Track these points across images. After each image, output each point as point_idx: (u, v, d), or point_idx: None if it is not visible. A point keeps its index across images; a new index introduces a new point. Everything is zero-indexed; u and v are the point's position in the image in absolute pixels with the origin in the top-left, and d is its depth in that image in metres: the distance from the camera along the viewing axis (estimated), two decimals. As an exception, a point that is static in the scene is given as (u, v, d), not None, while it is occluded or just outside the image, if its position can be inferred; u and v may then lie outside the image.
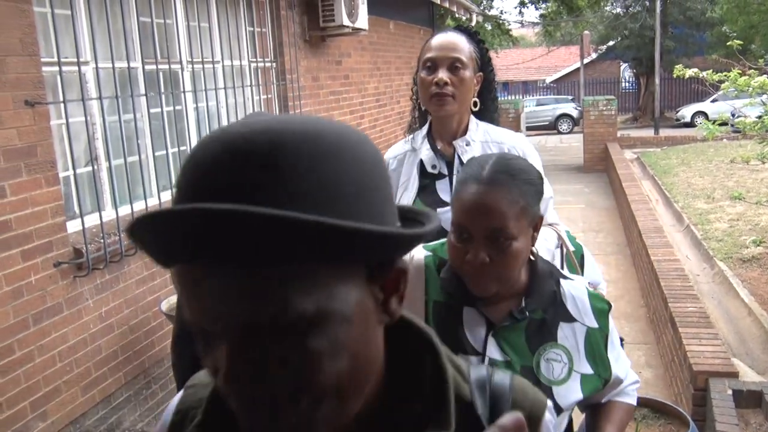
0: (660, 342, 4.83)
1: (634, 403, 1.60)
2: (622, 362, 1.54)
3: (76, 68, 3.68)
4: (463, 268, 1.37)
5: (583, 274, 1.86)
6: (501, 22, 20.57)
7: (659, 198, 10.23)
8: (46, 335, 3.36)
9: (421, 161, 2.14)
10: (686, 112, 25.70)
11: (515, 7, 21.15)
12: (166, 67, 4.59)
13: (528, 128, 18.19)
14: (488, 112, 2.20)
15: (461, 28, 2.19)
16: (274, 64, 6.04)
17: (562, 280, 1.49)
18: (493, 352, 1.41)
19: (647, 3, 26.29)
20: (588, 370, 1.44)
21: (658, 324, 4.94)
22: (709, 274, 6.41)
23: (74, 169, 3.62)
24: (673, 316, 4.18)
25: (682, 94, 29.91)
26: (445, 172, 2.12)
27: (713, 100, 22.98)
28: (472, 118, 2.16)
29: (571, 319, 1.45)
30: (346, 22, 6.27)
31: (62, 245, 3.46)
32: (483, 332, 1.42)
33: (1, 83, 3.12)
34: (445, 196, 2.07)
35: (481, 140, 2.11)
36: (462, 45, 2.09)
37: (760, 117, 5.98)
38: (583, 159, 14.73)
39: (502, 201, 1.31)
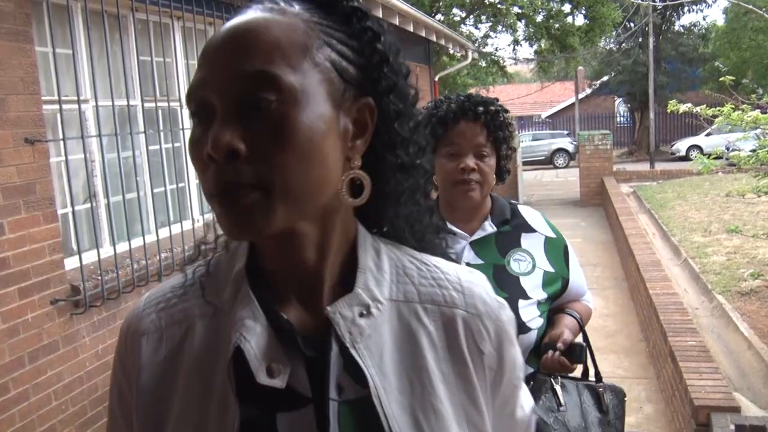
0: (660, 377, 4.80)
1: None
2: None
3: (76, 106, 3.71)
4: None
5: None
6: (496, 59, 20.85)
7: (656, 232, 10.25)
8: (42, 373, 3.33)
9: (239, 351, 0.73)
10: (681, 146, 25.89)
11: (509, 44, 21.47)
12: (165, 104, 4.64)
13: (524, 163, 18.31)
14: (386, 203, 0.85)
15: None
16: (272, 101, 6.09)
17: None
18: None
19: (640, 39, 26.68)
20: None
21: (658, 358, 4.91)
22: (708, 308, 6.40)
23: (73, 206, 3.63)
24: (672, 350, 4.16)
25: (676, 128, 30.15)
26: (308, 391, 0.74)
27: (708, 134, 23.17)
28: (360, 229, 0.82)
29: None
30: (343, 59, 6.34)
31: (59, 282, 3.45)
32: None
33: (2, 121, 3.15)
34: None
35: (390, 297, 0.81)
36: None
37: (754, 151, 6.03)
38: (579, 193, 14.79)
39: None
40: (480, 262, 1.73)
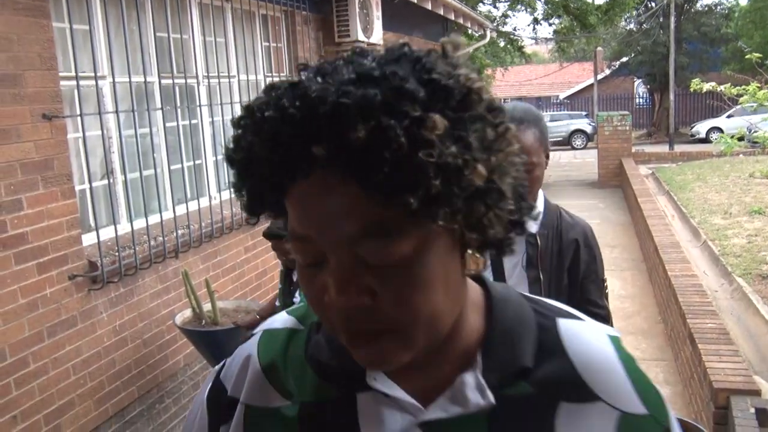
0: (678, 358, 4.76)
1: None
2: None
3: (93, 82, 3.70)
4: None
5: None
6: (514, 38, 20.62)
7: (675, 213, 10.14)
8: (61, 348, 3.36)
9: None
10: (701, 127, 25.57)
11: (529, 24, 21.21)
12: (182, 81, 4.62)
13: (542, 144, 18.12)
14: None
15: None
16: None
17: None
18: None
19: (661, 19, 26.26)
20: None
21: (677, 340, 4.87)
22: (728, 291, 6.33)
23: (90, 182, 3.63)
24: (692, 332, 4.12)
25: (696, 110, 29.77)
26: None
27: (729, 116, 22.86)
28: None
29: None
30: (361, 37, 6.29)
31: (77, 258, 3.47)
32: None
33: (20, 97, 3.15)
34: None
35: None
36: None
37: (778, 131, 5.92)
38: (597, 174, 14.67)
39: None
40: None
